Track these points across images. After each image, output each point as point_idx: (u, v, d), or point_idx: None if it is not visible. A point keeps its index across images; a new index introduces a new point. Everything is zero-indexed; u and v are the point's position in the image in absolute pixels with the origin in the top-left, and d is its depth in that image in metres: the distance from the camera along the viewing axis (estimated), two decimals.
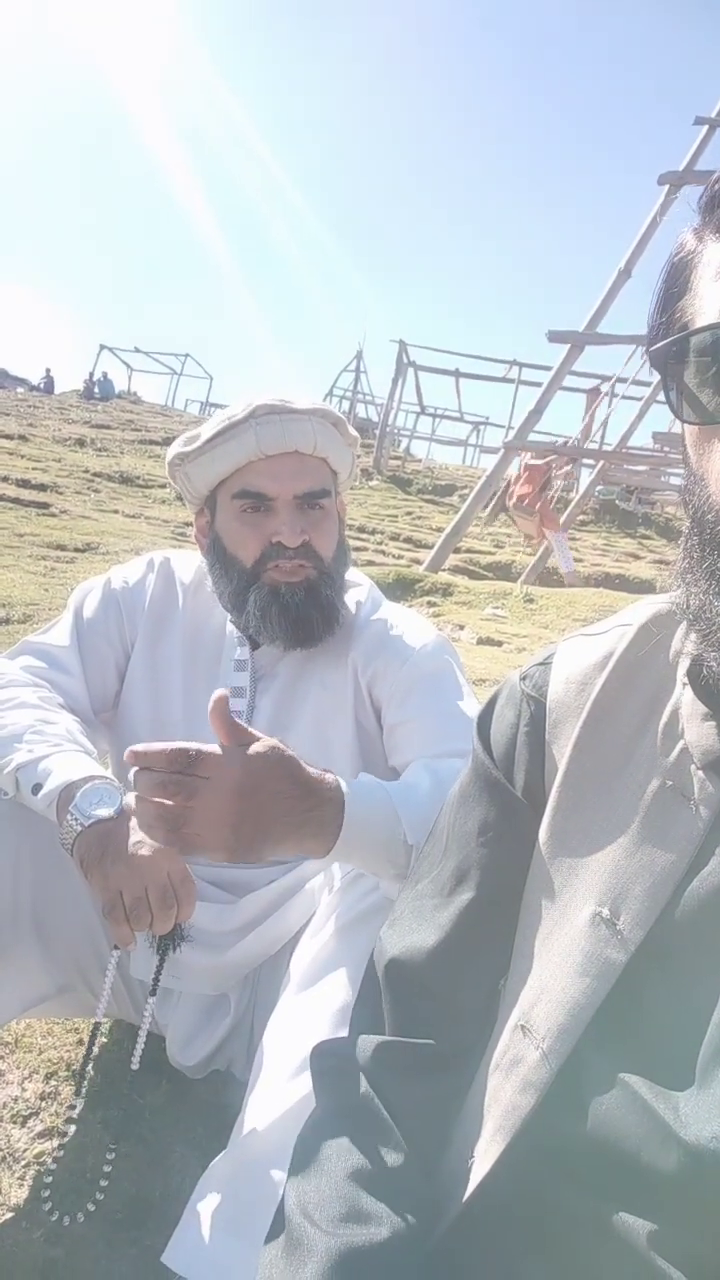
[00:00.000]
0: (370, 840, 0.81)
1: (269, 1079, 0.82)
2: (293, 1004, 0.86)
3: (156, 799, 0.72)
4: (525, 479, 7.37)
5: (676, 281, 0.51)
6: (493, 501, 7.54)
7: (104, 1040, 1.24)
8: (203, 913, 1.02)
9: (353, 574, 1.19)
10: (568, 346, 7.05)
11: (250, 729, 0.77)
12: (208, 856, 0.74)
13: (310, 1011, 0.83)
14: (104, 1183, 0.92)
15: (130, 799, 0.75)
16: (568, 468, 7.91)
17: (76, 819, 0.88)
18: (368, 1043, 0.61)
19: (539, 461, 7.42)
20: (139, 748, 0.73)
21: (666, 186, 6.92)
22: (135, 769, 0.73)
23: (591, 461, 10.23)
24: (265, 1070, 0.83)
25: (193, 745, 0.73)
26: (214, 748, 0.74)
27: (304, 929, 0.95)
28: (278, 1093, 0.79)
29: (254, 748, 0.76)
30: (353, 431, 1.16)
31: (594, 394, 9.27)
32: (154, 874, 0.85)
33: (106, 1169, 0.92)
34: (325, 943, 0.88)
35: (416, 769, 0.95)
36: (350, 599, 1.15)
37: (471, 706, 1.05)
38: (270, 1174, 0.75)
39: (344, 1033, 0.68)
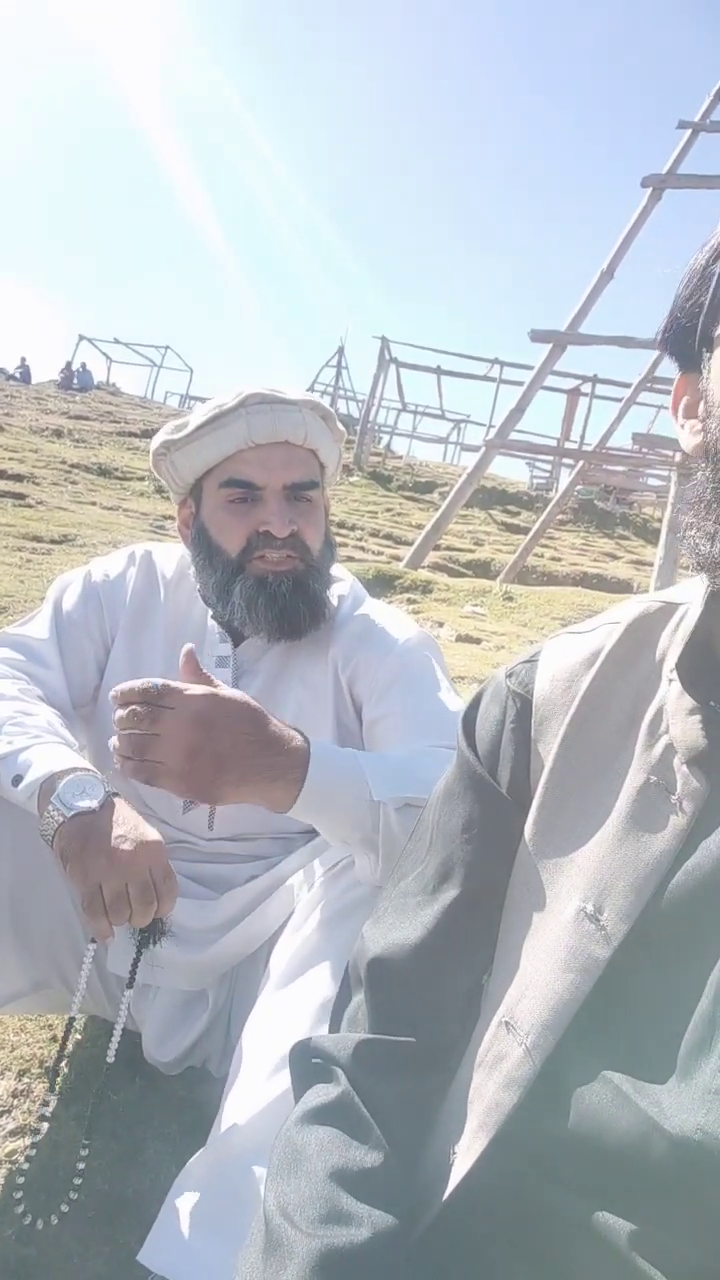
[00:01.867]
0: (335, 795, 0.84)
1: (248, 1076, 0.81)
2: (273, 1000, 0.85)
3: (126, 730, 0.81)
4: None
5: None
6: None
7: (79, 1037, 1.22)
8: (184, 909, 1.01)
9: (335, 569, 1.18)
10: (550, 346, 7.08)
11: (219, 684, 0.85)
12: (168, 787, 0.81)
13: (290, 1008, 0.82)
14: (77, 1180, 0.90)
15: (114, 740, 0.82)
16: None
17: (58, 810, 0.86)
18: (348, 1040, 0.61)
19: None
20: (122, 685, 0.81)
21: (650, 189, 6.97)
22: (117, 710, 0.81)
23: (571, 461, 10.30)
24: (245, 1067, 0.82)
25: (160, 680, 0.82)
26: (181, 684, 0.83)
27: (284, 926, 0.95)
28: (257, 1090, 0.79)
29: (221, 690, 0.84)
30: (340, 426, 1.15)
31: (575, 394, 9.30)
32: (135, 869, 0.83)
33: (80, 1166, 0.91)
34: (306, 938, 0.88)
35: (393, 749, 0.97)
36: (332, 594, 1.15)
37: (452, 701, 1.05)
38: (249, 1171, 0.75)
39: (324, 1029, 0.68)
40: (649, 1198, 0.47)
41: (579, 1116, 0.49)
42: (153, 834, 0.87)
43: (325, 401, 1.14)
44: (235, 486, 1.06)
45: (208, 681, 0.84)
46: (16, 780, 0.90)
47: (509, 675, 0.64)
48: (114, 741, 0.82)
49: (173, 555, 1.21)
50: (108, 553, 1.26)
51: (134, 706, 0.81)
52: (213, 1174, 0.78)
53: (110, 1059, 0.91)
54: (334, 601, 1.14)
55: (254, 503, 1.07)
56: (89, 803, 0.87)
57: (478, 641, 4.64)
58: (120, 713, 0.81)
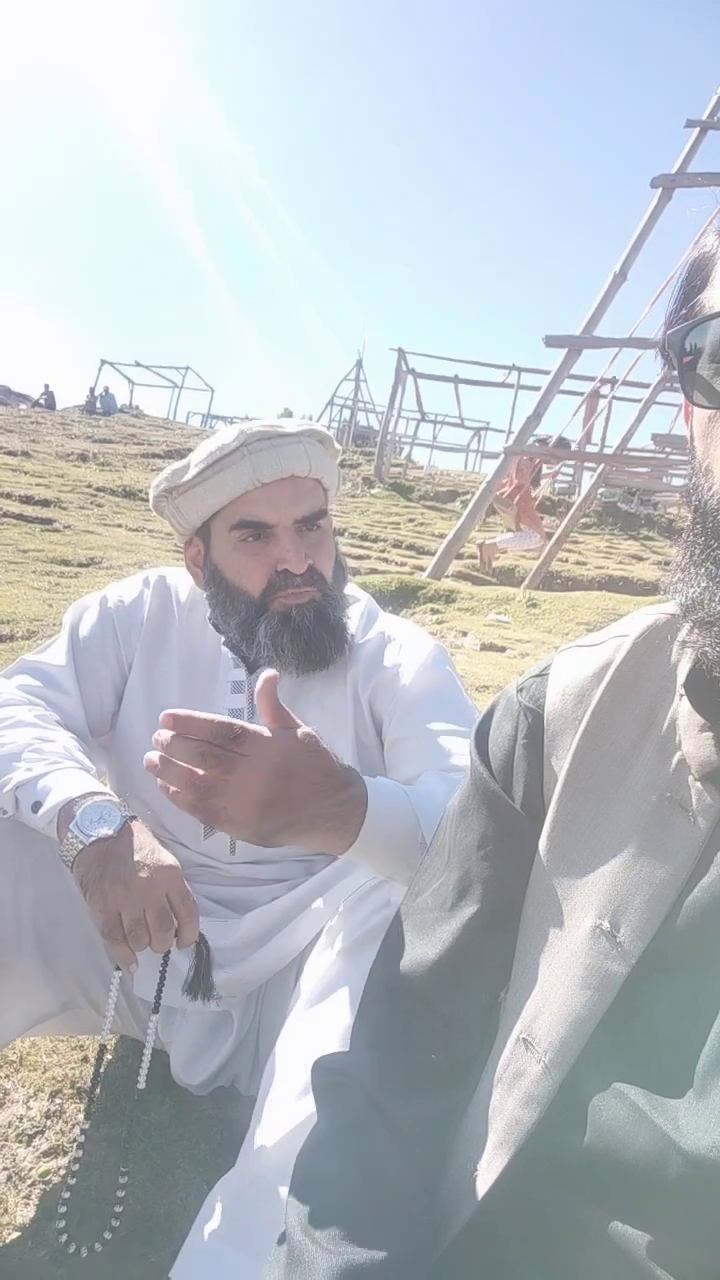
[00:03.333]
0: (389, 839, 0.82)
1: (277, 1096, 0.81)
2: (301, 1021, 0.86)
3: (190, 766, 0.72)
4: (513, 475, 7.87)
5: (697, 278, 0.53)
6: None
7: (110, 1058, 1.23)
8: (206, 928, 1.02)
9: (349, 588, 1.19)
10: (565, 350, 7.05)
11: (293, 715, 0.78)
12: (229, 832, 0.75)
13: (319, 1028, 0.83)
14: (118, 1208, 0.90)
15: (153, 757, 0.74)
16: (555, 467, 8.28)
17: (77, 838, 0.88)
18: (368, 1057, 0.61)
19: (529, 461, 7.96)
20: (179, 712, 0.72)
21: (660, 189, 6.93)
22: (170, 733, 0.72)
23: (593, 464, 10.23)
24: (274, 1087, 0.83)
25: (238, 722, 0.74)
26: (259, 728, 0.75)
27: (310, 947, 0.95)
28: (286, 1110, 0.79)
29: (296, 732, 0.77)
30: (336, 445, 1.16)
31: (593, 397, 9.30)
32: (152, 895, 0.84)
33: (120, 1193, 0.91)
34: (334, 960, 0.88)
35: (430, 777, 0.95)
36: (348, 615, 1.15)
37: (472, 719, 1.05)
38: (277, 1190, 0.75)
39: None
40: (666, 1212, 0.46)
41: (596, 1132, 0.49)
42: (169, 859, 0.87)
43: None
44: (246, 527, 1.06)
45: (285, 717, 0.77)
46: (36, 806, 0.91)
47: (520, 690, 0.64)
48: (151, 758, 0.74)
49: (187, 579, 1.21)
50: (133, 574, 1.27)
51: (204, 743, 0.72)
52: (242, 1193, 0.78)
53: (141, 1084, 0.92)
54: (351, 625, 1.14)
55: (266, 540, 1.07)
56: (106, 829, 0.88)
57: (502, 650, 4.61)
58: (179, 743, 0.72)
